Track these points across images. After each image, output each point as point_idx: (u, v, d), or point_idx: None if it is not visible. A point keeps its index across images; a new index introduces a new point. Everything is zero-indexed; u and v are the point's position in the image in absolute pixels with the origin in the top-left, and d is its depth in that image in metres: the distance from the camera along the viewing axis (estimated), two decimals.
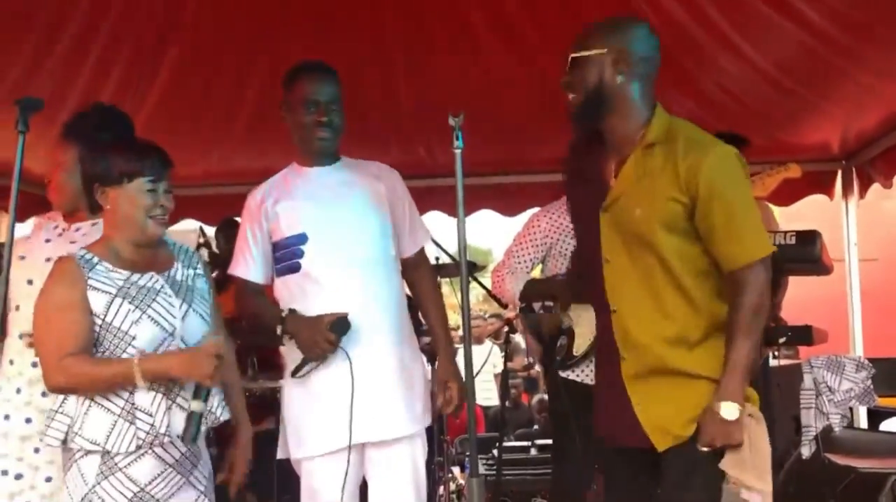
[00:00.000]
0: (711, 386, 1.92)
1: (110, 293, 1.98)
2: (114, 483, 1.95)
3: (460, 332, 1.91)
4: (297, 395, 2.40)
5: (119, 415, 1.95)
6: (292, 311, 2.34)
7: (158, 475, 2.00)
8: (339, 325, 2.26)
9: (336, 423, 2.31)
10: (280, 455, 2.44)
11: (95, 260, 2.02)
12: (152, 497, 1.99)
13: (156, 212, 2.05)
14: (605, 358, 2.12)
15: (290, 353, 2.40)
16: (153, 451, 1.99)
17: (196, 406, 1.96)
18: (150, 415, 1.96)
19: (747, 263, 1.90)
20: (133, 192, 2.03)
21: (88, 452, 1.96)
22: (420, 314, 2.69)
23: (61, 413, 1.97)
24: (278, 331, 2.35)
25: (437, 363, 2.54)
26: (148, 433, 1.96)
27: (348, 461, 2.28)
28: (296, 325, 2.32)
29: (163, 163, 2.07)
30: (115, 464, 1.96)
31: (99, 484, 1.95)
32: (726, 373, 1.89)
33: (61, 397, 1.98)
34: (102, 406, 1.96)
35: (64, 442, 1.96)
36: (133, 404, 1.96)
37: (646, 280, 1.97)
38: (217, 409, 2.09)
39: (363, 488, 2.42)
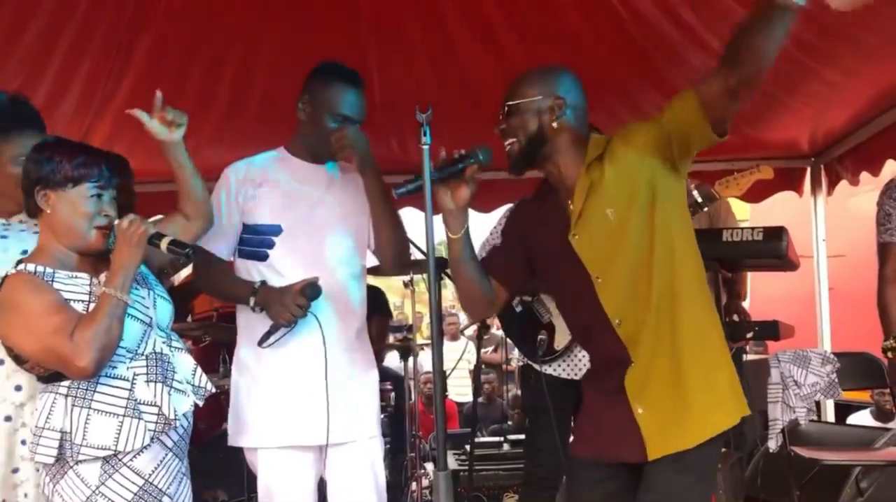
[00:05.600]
0: (711, 399, 1.94)
1: (84, 301, 1.94)
2: (119, 480, 1.93)
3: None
4: (251, 384, 2.38)
5: (124, 415, 1.92)
6: (264, 283, 2.33)
7: (160, 462, 2.00)
8: (310, 289, 2.27)
9: (298, 419, 2.32)
10: (231, 442, 2.41)
11: (49, 270, 1.95)
12: (156, 487, 1.98)
13: (99, 220, 1.99)
14: (599, 375, 2.11)
15: (253, 327, 2.35)
16: (159, 439, 1.99)
17: (164, 243, 2.00)
18: (156, 405, 1.96)
19: None
20: (76, 198, 1.97)
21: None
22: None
23: (49, 429, 1.91)
24: (250, 303, 2.32)
25: None
26: (157, 422, 1.95)
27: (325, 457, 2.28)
28: (267, 296, 2.31)
29: (111, 171, 2.01)
30: (120, 460, 1.93)
31: (103, 483, 1.92)
32: None
33: (45, 413, 1.93)
34: (103, 411, 1.92)
35: (58, 458, 1.90)
36: (135, 400, 1.94)
37: (639, 281, 1.96)
38: (206, 384, 2.11)
39: (321, 487, 2.42)
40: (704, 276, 2.07)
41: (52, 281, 1.93)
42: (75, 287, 1.95)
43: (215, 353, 4.02)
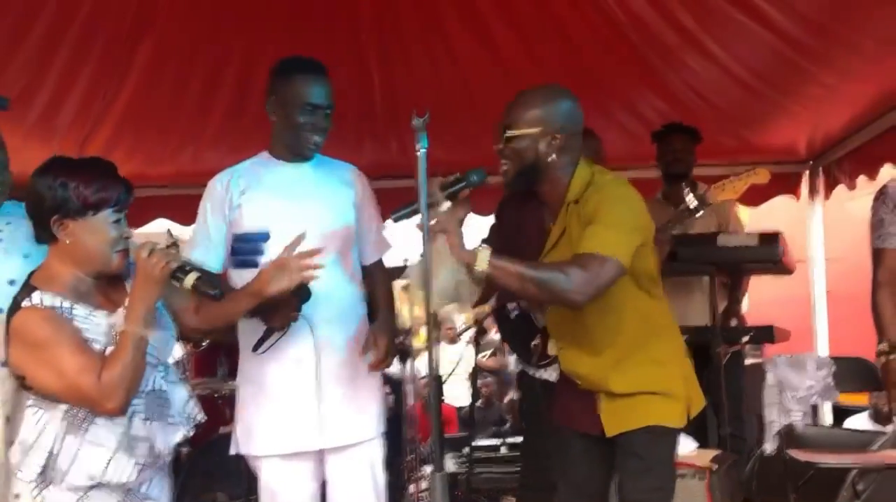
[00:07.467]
0: (651, 398, 2.17)
1: (100, 342, 1.90)
2: (104, 489, 1.91)
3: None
4: (254, 392, 2.38)
5: (116, 449, 1.89)
6: None
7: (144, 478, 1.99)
8: (299, 291, 2.23)
9: (298, 425, 2.32)
10: (233, 450, 2.41)
11: (67, 304, 1.88)
12: (142, 492, 1.97)
13: (121, 245, 1.93)
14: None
15: (251, 334, 2.35)
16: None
17: (188, 280, 1.92)
18: (149, 439, 1.93)
19: (591, 253, 1.99)
20: (99, 225, 1.88)
21: None
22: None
23: (38, 447, 1.88)
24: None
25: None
26: (147, 456, 1.93)
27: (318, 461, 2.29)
28: (262, 303, 2.28)
29: (127, 191, 1.93)
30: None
31: (91, 488, 1.89)
32: None
33: (38, 430, 1.88)
34: (96, 444, 1.88)
35: (41, 475, 1.86)
36: (130, 436, 1.91)
37: (579, 317, 2.17)
38: (198, 415, 2.08)
39: (322, 489, 2.43)
40: (661, 292, 2.26)
41: (71, 316, 1.87)
42: (92, 326, 1.90)
43: (214, 356, 4.03)
